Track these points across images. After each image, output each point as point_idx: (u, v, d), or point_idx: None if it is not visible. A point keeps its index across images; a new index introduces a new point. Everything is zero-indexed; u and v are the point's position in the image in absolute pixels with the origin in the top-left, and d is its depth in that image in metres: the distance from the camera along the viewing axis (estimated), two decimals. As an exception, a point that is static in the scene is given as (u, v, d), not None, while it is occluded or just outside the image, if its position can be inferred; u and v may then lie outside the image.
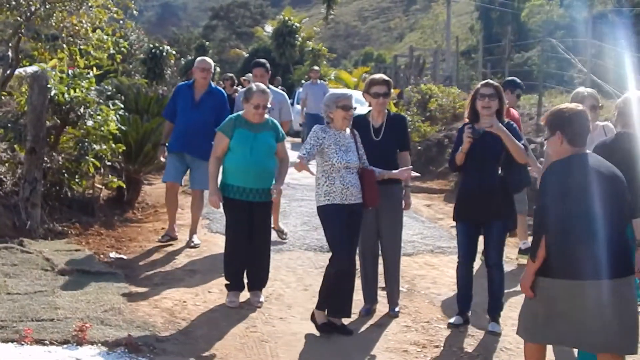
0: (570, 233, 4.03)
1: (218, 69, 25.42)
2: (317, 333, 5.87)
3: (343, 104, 5.70)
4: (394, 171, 6.00)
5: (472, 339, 5.92)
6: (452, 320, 6.14)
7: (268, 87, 7.38)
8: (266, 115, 6.46)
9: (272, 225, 7.07)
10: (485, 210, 5.91)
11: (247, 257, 6.45)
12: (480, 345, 5.79)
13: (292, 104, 20.44)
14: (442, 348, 5.70)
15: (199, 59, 8.61)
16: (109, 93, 10.12)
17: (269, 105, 6.59)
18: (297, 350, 5.54)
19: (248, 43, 49.04)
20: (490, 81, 6.18)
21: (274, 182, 6.33)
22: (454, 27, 44.36)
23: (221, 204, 6.32)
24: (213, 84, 8.50)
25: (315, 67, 17.05)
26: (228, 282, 6.49)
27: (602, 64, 15.91)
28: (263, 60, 8.57)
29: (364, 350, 5.61)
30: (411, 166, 6.12)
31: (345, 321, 5.96)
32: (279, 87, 13.61)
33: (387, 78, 6.30)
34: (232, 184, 6.32)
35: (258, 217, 6.40)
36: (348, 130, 5.86)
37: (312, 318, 5.90)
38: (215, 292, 6.70)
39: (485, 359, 5.56)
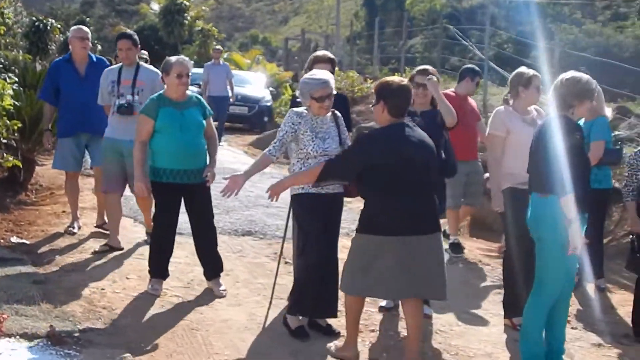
0: (387, 194, 4.55)
1: (99, 47, 24.36)
2: (246, 319, 5.62)
3: (319, 95, 5.02)
4: None
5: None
6: (382, 303, 6.02)
7: (138, 64, 7.01)
8: (189, 91, 6.13)
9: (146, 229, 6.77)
10: None
11: (196, 245, 6.20)
12: (416, 329, 5.68)
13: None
14: (378, 332, 5.57)
15: (74, 27, 7.90)
16: (-3, 66, 9.38)
17: (138, 86, 6.60)
18: (229, 338, 5.26)
19: (129, 21, 47.57)
20: (427, 67, 6.04)
21: (203, 164, 6.02)
22: (336, 12, 44.52)
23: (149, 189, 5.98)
24: (93, 55, 7.88)
25: (218, 47, 16.44)
26: (152, 269, 6.14)
27: (501, 50, 16.21)
28: (130, 32, 7.60)
29: (300, 337, 5.38)
30: None
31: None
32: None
33: (331, 56, 6.03)
34: (164, 167, 5.92)
35: (198, 199, 6.09)
36: (329, 114, 5.30)
37: (285, 322, 5.39)
38: (133, 278, 6.32)
39: (422, 341, 5.44)
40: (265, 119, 18.42)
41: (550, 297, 4.83)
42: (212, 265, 6.23)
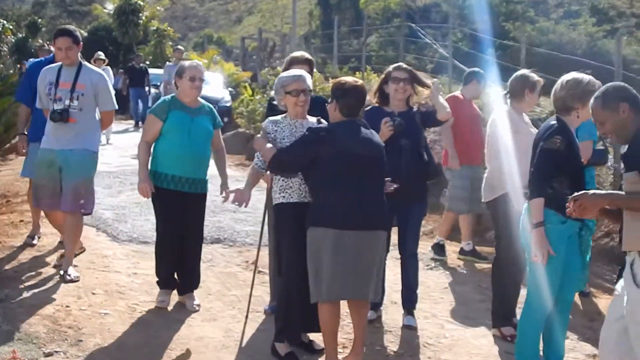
0: (331, 188, 4.50)
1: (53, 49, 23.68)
2: (222, 336, 5.30)
3: (292, 89, 4.83)
4: None
5: (391, 335, 5.54)
6: (364, 315, 5.72)
7: (81, 64, 6.30)
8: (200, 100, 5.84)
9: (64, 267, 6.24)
10: (404, 195, 5.52)
11: (179, 256, 5.81)
12: (403, 341, 5.43)
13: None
14: (364, 347, 5.26)
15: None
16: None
17: (78, 89, 6.04)
18: (207, 358, 4.92)
19: (81, 22, 46.53)
20: (403, 65, 5.83)
21: (207, 176, 5.79)
22: (292, 11, 44.19)
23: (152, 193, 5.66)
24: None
25: (180, 47, 16.02)
26: (158, 280, 5.84)
27: (464, 48, 16.05)
28: (69, 27, 6.65)
29: (282, 354, 5.06)
30: None
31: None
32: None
33: (309, 56, 5.72)
34: (166, 172, 5.62)
35: (192, 211, 5.75)
36: (311, 118, 4.97)
37: (273, 351, 4.96)
38: (99, 293, 5.93)
39: (411, 356, 5.19)
40: (225, 119, 17.99)
41: (539, 307, 4.61)
42: (190, 279, 5.90)
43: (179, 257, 5.76)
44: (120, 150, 13.98)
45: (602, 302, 6.70)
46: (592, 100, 3.87)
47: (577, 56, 19.83)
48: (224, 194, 5.75)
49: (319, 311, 4.63)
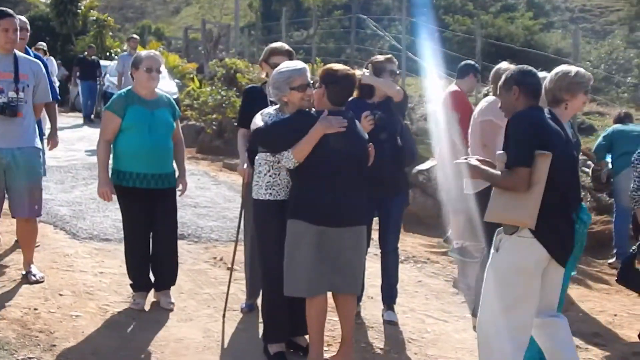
0: (319, 180, 4.38)
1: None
2: (202, 336, 5.10)
3: (299, 84, 4.48)
4: None
5: (374, 331, 5.43)
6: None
7: (27, 52, 5.97)
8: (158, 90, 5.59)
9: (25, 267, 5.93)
10: (385, 189, 5.42)
11: (153, 253, 5.56)
12: (387, 337, 5.32)
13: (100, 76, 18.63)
14: (349, 345, 5.14)
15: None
16: None
17: (22, 80, 5.61)
18: (188, 360, 4.74)
19: (13, 11, 45.18)
20: (389, 56, 5.72)
21: (173, 169, 5.54)
22: (232, 2, 43.77)
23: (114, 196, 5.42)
24: (30, 50, 7.05)
25: (134, 36, 15.44)
26: (132, 282, 5.59)
27: (416, 40, 16.00)
28: (9, 11, 5.77)
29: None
30: None
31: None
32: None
33: (289, 48, 5.51)
34: (130, 170, 5.36)
35: (162, 206, 5.50)
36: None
37: (265, 351, 4.77)
38: (67, 294, 5.66)
39: (398, 353, 5.08)
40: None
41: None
42: (166, 276, 5.66)
43: (151, 255, 5.57)
44: (66, 144, 13.47)
45: (573, 292, 6.70)
46: (502, 77, 4.24)
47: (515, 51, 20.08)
48: (180, 187, 5.57)
49: (307, 307, 4.48)
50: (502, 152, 4.03)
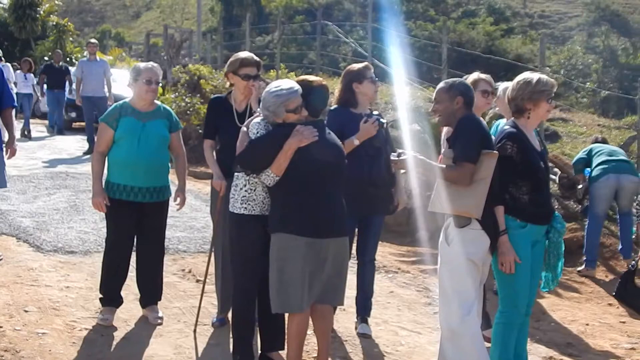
0: (302, 192, 4.31)
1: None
2: (173, 352, 4.98)
3: (295, 106, 4.37)
4: None
5: (349, 344, 5.36)
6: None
7: None
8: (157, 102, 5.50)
9: None
10: (374, 203, 5.39)
11: (139, 267, 5.48)
12: (363, 351, 5.26)
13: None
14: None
15: None
16: None
17: None
18: (160, 378, 4.62)
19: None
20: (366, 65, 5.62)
21: (167, 182, 5.46)
22: (193, 7, 43.57)
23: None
24: None
25: (92, 40, 15.05)
26: (102, 296, 5.47)
27: (380, 46, 16.00)
28: None
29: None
30: None
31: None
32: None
33: (257, 58, 5.40)
34: (118, 182, 5.29)
35: (150, 220, 5.42)
36: None
37: None
38: (33, 310, 5.50)
39: (373, 367, 5.03)
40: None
41: (513, 315, 4.51)
42: (152, 291, 5.59)
43: (137, 270, 5.50)
44: (26, 152, 13.24)
45: (545, 301, 6.72)
46: (441, 83, 4.51)
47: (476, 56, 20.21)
48: (177, 200, 5.50)
49: (288, 323, 4.40)
50: (449, 149, 4.34)
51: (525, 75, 4.58)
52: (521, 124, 4.50)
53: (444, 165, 4.32)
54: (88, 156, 12.55)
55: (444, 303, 4.39)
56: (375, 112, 5.51)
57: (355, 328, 5.60)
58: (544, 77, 4.54)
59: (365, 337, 5.47)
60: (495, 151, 4.26)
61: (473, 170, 4.21)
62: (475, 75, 5.43)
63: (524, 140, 4.46)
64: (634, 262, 5.52)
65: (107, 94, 13.60)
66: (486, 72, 5.54)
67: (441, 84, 4.51)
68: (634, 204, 5.94)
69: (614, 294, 5.98)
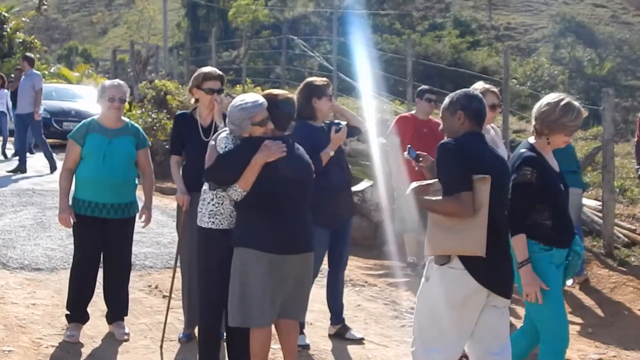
0: (267, 207, 4.34)
1: None
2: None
3: (261, 119, 4.39)
4: None
5: (316, 359, 5.38)
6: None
7: None
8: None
9: None
10: (348, 209, 5.60)
11: (105, 283, 5.51)
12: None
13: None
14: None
15: None
16: None
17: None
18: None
19: None
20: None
21: (134, 199, 5.50)
22: (160, 23, 43.54)
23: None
24: None
25: (29, 54, 14.01)
26: (69, 313, 5.47)
27: (346, 60, 16.16)
28: None
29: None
30: None
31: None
32: None
33: (220, 72, 5.46)
34: (83, 198, 5.35)
35: (116, 236, 5.45)
36: None
37: None
38: (-1, 328, 5.49)
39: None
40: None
41: (558, 344, 4.34)
42: (119, 306, 5.61)
43: (104, 286, 5.52)
44: (-9, 169, 13.16)
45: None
46: (446, 99, 4.13)
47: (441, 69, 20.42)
48: (143, 218, 5.54)
49: (250, 338, 4.43)
50: (436, 180, 4.00)
51: (551, 99, 4.32)
52: (539, 146, 4.32)
53: (439, 198, 3.91)
54: (54, 173, 12.34)
55: (415, 338, 4.10)
56: (331, 121, 5.68)
57: (341, 335, 5.72)
58: (574, 108, 4.25)
59: (303, 348, 5.39)
60: (487, 175, 3.83)
61: (472, 198, 3.79)
62: (480, 85, 5.39)
63: (543, 165, 4.28)
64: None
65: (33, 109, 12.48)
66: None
67: (446, 99, 4.15)
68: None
69: None
